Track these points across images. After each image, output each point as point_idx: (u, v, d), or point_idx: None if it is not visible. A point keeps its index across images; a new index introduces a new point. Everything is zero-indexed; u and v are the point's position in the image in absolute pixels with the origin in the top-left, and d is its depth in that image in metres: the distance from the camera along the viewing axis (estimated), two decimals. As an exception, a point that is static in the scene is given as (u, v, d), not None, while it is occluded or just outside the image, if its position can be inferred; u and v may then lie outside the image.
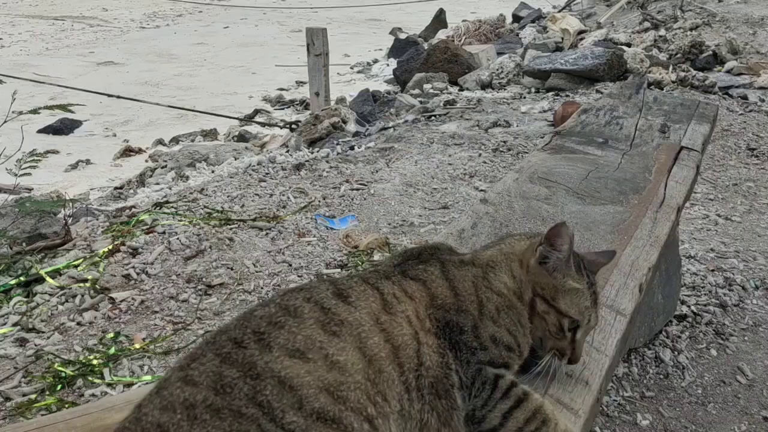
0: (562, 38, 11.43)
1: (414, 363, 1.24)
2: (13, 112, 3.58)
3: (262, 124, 9.57)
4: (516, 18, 14.48)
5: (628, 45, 9.58)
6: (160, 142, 9.09)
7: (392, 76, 10.72)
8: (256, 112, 10.44)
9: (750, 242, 3.97)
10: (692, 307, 3.19)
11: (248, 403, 1.05)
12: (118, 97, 9.67)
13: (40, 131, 9.67)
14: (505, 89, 7.67)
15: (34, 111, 3.73)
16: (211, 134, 9.39)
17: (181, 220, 3.62)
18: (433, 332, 1.29)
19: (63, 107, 3.71)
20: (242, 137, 8.85)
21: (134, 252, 3.34)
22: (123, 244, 3.37)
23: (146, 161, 8.10)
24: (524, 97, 7.27)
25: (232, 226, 3.63)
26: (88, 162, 8.57)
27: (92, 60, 13.16)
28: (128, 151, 8.85)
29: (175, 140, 9.15)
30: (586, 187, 2.43)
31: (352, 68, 13.21)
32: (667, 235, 2.19)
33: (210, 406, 1.03)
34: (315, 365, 1.13)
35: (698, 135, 2.94)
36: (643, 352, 2.86)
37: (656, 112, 3.18)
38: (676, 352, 2.88)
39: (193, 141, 8.75)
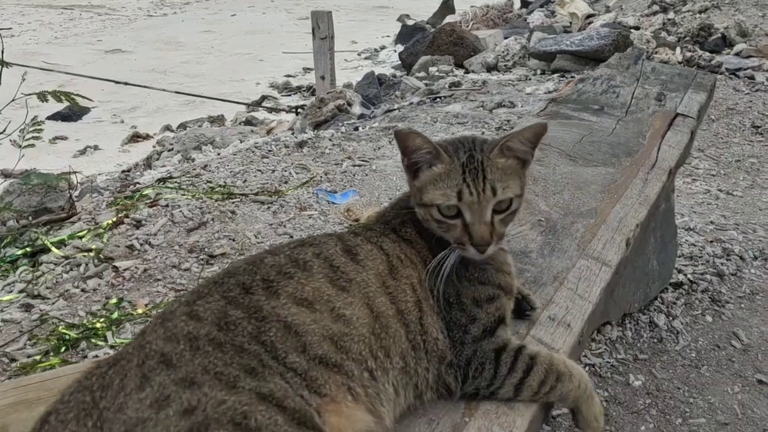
0: (570, 22, 11.37)
1: (419, 328, 1.28)
2: (21, 93, 3.61)
3: (269, 110, 9.63)
4: (524, 3, 14.40)
5: (636, 28, 9.51)
6: (167, 128, 9.15)
7: (399, 62, 10.72)
8: (263, 98, 10.48)
9: (751, 216, 3.98)
10: (689, 276, 3.21)
11: (251, 340, 1.10)
12: (126, 83, 9.77)
13: (49, 118, 9.70)
14: (510, 71, 7.67)
15: (42, 96, 3.71)
16: (218, 120, 9.44)
17: (184, 194, 3.67)
18: (435, 309, 1.31)
19: (69, 97, 3.67)
20: (249, 123, 8.89)
21: (138, 224, 3.39)
22: (127, 216, 3.43)
23: (153, 147, 8.17)
24: (529, 79, 7.27)
25: (234, 200, 3.67)
26: (96, 148, 8.64)
27: (100, 48, 13.24)
28: (136, 137, 8.92)
29: (183, 126, 9.19)
30: (579, 150, 2.46)
31: (359, 55, 13.21)
32: (657, 195, 2.22)
33: (213, 340, 1.07)
34: (321, 315, 1.18)
35: (694, 103, 2.95)
36: (637, 317, 2.89)
37: (653, 81, 3.19)
38: (670, 318, 2.91)
39: (200, 126, 8.80)
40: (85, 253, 3.16)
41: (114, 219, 3.39)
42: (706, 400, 2.50)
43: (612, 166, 2.36)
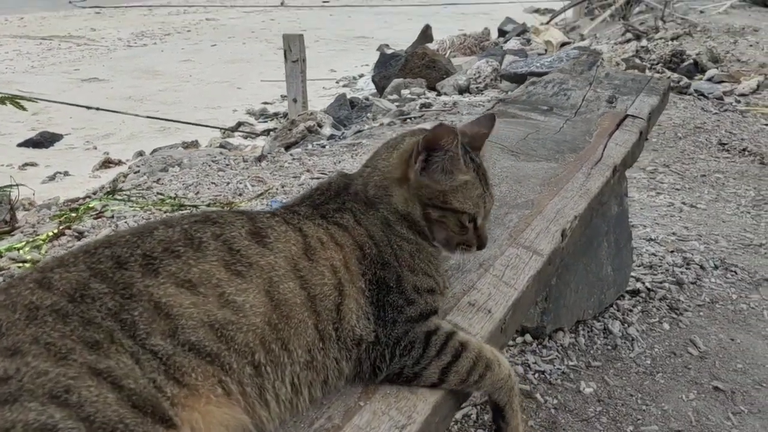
0: (546, 50, 11.50)
1: (333, 315, 1.18)
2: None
3: (245, 135, 9.56)
4: (501, 32, 14.58)
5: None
6: (140, 154, 9.04)
7: (376, 90, 10.74)
8: (239, 124, 10.42)
9: (713, 227, 3.91)
10: (647, 284, 3.12)
11: (107, 316, 0.98)
12: (98, 109, 9.68)
13: (20, 145, 9.63)
14: (482, 93, 7.67)
15: None
16: (192, 146, 9.35)
17: (132, 207, 3.56)
18: (365, 293, 1.23)
19: (14, 101, 3.59)
20: (223, 147, 8.82)
21: (80, 235, 3.27)
22: (69, 227, 3.31)
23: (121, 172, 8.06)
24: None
25: (184, 211, 3.57)
26: (66, 174, 8.51)
27: (77, 77, 13.18)
28: (107, 163, 8.81)
29: (156, 152, 9.11)
30: (523, 147, 2.38)
31: (337, 82, 13.23)
32: (599, 189, 2.14)
33: (57, 311, 0.96)
34: (204, 299, 1.06)
35: (645, 105, 2.90)
36: (591, 323, 2.79)
37: (606, 85, 3.14)
38: (626, 325, 2.81)
39: (170, 148, 8.72)
40: (21, 264, 3.03)
41: (54, 230, 3.27)
42: (659, 407, 2.38)
43: (555, 161, 2.28)
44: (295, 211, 1.32)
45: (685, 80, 7.36)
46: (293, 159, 4.53)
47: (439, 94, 8.02)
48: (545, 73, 7.33)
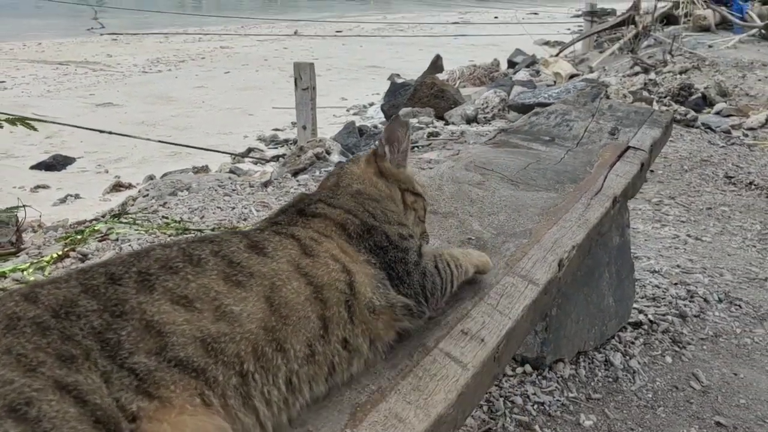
0: (555, 81, 11.57)
1: (347, 294, 1.25)
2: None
3: (255, 161, 9.64)
4: (511, 64, 14.68)
5: (617, 86, 9.66)
6: (150, 178, 9.12)
7: (385, 119, 10.83)
8: (250, 150, 10.51)
9: (718, 260, 3.89)
10: (650, 316, 3.09)
11: (89, 335, 0.98)
12: (110, 133, 9.79)
13: (32, 167, 9.74)
14: (490, 123, 7.71)
15: None
16: (202, 170, 9.43)
17: (137, 229, 3.58)
18: (372, 263, 1.34)
19: (24, 122, 3.65)
20: (233, 173, 8.89)
21: (84, 257, 3.30)
22: (73, 249, 3.33)
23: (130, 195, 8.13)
24: (508, 131, 7.30)
25: (189, 235, 3.59)
26: (77, 196, 8.59)
27: (92, 101, 13.38)
28: (118, 186, 8.89)
29: (166, 176, 9.19)
30: (523, 176, 2.39)
31: (348, 111, 13.35)
32: (598, 219, 2.14)
33: (38, 324, 0.96)
34: (199, 315, 1.07)
35: (647, 137, 2.91)
36: (592, 355, 2.76)
37: (609, 117, 3.16)
38: (627, 357, 2.78)
39: (181, 173, 8.79)
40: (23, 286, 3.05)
41: (59, 252, 3.29)
42: (660, 441, 2.35)
43: (554, 191, 2.29)
44: (277, 222, 1.40)
45: (693, 113, 7.37)
46: (299, 185, 4.56)
47: (447, 123, 8.07)
48: (552, 104, 7.39)
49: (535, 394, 2.51)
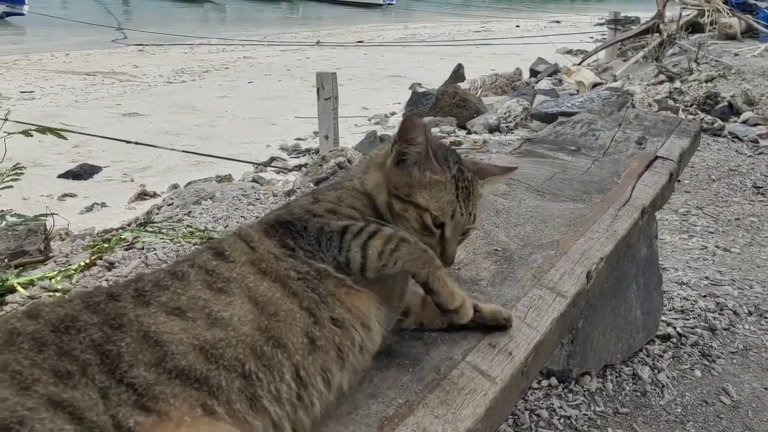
0: (578, 90, 11.50)
1: (303, 284, 1.23)
2: (4, 132, 3.61)
3: (277, 170, 9.69)
4: (533, 72, 14.63)
5: (642, 95, 9.58)
6: (174, 187, 9.22)
7: (407, 127, 10.81)
8: (272, 159, 10.58)
9: (748, 272, 3.82)
10: (678, 329, 3.04)
11: (89, 348, 0.99)
12: (136, 143, 9.93)
13: (60, 176, 9.89)
14: (512, 132, 7.68)
15: (26, 133, 3.72)
16: (225, 179, 9.51)
17: (162, 238, 3.61)
18: (284, 251, 1.28)
19: (56, 132, 3.70)
20: (256, 182, 8.96)
21: (110, 266, 3.33)
22: (100, 258, 3.37)
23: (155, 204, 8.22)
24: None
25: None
26: (103, 205, 8.70)
27: (118, 111, 13.57)
28: (143, 195, 9.00)
29: (190, 185, 9.28)
30: (549, 186, 2.37)
31: (369, 120, 13.38)
32: (627, 231, 2.11)
33: (37, 339, 0.97)
34: (193, 324, 1.09)
35: (676, 147, 2.87)
36: (620, 368, 2.72)
37: (636, 126, 3.12)
38: (656, 371, 2.74)
39: (204, 182, 8.87)
40: (52, 293, 3.08)
41: (86, 261, 3.33)
42: (690, 457, 2.31)
43: (581, 202, 2.27)
44: (250, 226, 1.40)
45: (719, 122, 7.27)
46: (322, 195, 4.57)
47: (469, 132, 8.05)
48: (576, 113, 7.34)
49: (561, 407, 2.48)
